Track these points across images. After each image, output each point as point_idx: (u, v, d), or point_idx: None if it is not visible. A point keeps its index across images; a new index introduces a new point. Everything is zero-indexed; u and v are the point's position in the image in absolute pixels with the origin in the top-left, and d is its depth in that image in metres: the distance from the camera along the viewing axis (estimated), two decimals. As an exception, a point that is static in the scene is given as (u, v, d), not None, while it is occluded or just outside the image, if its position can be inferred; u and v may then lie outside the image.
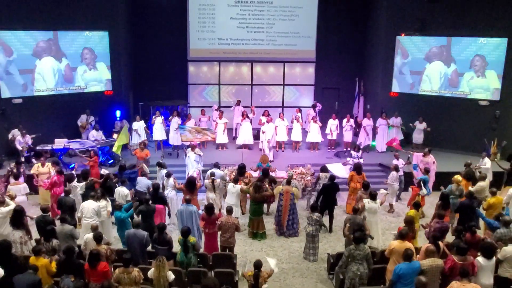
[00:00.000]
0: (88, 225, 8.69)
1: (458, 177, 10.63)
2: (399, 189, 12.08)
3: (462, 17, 14.70)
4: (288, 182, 10.36)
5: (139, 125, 14.90)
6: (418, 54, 15.80)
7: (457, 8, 14.69)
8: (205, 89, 18.82)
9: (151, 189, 10.30)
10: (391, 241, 7.47)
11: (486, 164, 12.14)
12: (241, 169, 11.34)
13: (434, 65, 15.81)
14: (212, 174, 10.73)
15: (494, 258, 6.95)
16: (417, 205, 9.02)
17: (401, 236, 7.37)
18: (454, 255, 6.93)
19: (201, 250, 8.56)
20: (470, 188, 10.31)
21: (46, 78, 14.75)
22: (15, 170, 11.23)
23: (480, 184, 10.48)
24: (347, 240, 8.45)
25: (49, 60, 14.76)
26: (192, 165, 12.13)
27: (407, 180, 12.45)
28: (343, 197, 12.02)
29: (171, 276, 6.74)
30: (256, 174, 11.82)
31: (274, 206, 11.52)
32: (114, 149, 13.03)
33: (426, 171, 11.38)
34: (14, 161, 11.85)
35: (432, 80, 15.90)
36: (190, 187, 10.12)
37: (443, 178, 12.19)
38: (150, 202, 9.00)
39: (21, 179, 11.28)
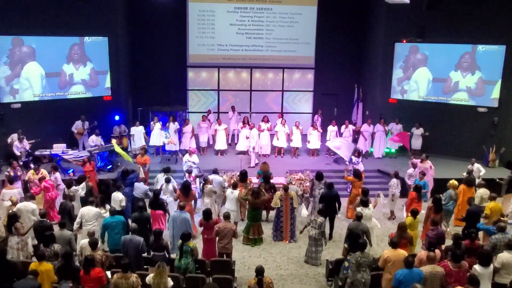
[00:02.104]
0: (90, 231, 8.65)
1: (454, 182, 10.63)
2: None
3: (461, 24, 14.76)
4: (286, 188, 10.33)
5: (138, 130, 14.91)
6: (443, 62, 15.63)
7: (456, 15, 14.75)
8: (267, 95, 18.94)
9: (150, 194, 10.30)
10: (384, 251, 7.40)
11: (479, 168, 12.12)
12: (243, 175, 11.32)
13: (419, 72, 15.97)
14: (205, 180, 10.73)
15: (492, 265, 6.93)
16: (414, 213, 9.01)
17: (393, 244, 7.34)
18: (449, 261, 6.92)
19: (199, 256, 8.55)
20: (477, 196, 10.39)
21: (33, 85, 14.52)
22: (11, 173, 11.22)
23: (480, 191, 10.47)
24: (344, 249, 8.38)
25: (34, 65, 14.51)
26: (187, 169, 12.10)
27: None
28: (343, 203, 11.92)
29: (170, 282, 6.71)
30: (257, 181, 11.79)
31: (272, 213, 11.54)
32: (125, 157, 12.98)
33: (422, 174, 11.37)
34: (10, 166, 11.80)
35: (420, 87, 16.04)
36: (185, 191, 10.10)
37: (441, 185, 12.21)
38: (146, 207, 8.96)
39: (18, 183, 11.23)
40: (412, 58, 16.07)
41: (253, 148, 14.45)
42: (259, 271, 6.63)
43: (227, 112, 17.15)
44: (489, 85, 14.92)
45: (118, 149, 13.11)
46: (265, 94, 19.00)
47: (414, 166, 12.15)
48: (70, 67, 15.26)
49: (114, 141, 13.59)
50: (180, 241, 7.64)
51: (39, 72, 14.59)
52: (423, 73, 15.94)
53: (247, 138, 14.79)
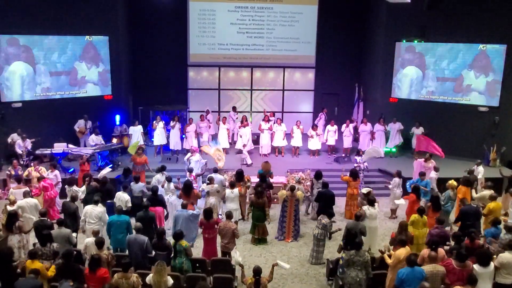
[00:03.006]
0: (91, 230, 8.66)
1: (453, 183, 10.63)
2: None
3: (461, 24, 14.75)
4: (292, 188, 10.30)
5: (136, 129, 14.92)
6: (451, 61, 15.52)
7: (456, 14, 14.74)
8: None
9: (146, 192, 10.31)
10: (397, 252, 7.39)
11: (479, 173, 12.09)
12: (239, 175, 11.33)
13: (406, 71, 16.12)
14: (210, 179, 10.73)
15: (492, 265, 6.93)
16: (421, 211, 9.00)
17: (402, 242, 7.34)
18: (454, 260, 6.92)
19: (200, 255, 8.56)
20: (475, 195, 10.38)
21: (15, 85, 14.29)
22: (12, 172, 11.23)
23: (484, 193, 10.45)
24: (339, 246, 8.39)
25: (20, 65, 14.32)
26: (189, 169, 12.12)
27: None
28: (340, 203, 11.90)
29: (169, 281, 6.71)
30: (258, 181, 11.79)
31: (272, 212, 11.53)
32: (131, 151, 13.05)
33: (423, 174, 11.34)
34: (11, 165, 11.82)
35: (403, 86, 16.20)
36: (186, 191, 10.09)
37: (441, 184, 12.19)
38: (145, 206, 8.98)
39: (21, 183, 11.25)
40: (415, 57, 16.09)
41: (244, 146, 14.43)
42: (257, 271, 6.63)
43: (229, 111, 17.16)
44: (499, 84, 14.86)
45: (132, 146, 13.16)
46: (266, 93, 19.02)
47: (436, 170, 11.93)
48: (78, 66, 15.42)
49: (115, 140, 13.59)
50: (173, 240, 7.64)
51: (23, 72, 14.39)
52: (429, 72, 15.93)
53: (240, 136, 14.83)
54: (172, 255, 7.64)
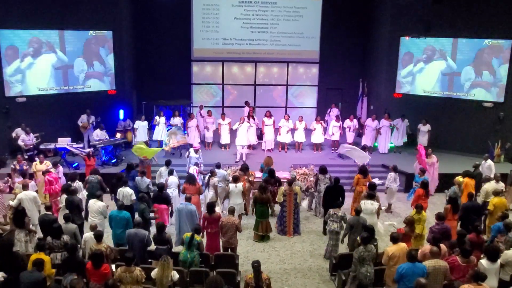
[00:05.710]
0: (92, 224, 8.70)
1: (459, 179, 10.60)
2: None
3: (466, 19, 14.66)
4: (290, 183, 10.33)
5: (142, 124, 14.93)
6: (459, 56, 15.38)
7: (462, 9, 14.65)
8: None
9: (152, 188, 10.32)
10: (386, 248, 7.39)
11: (490, 166, 12.03)
12: (246, 169, 11.33)
13: (411, 66, 16.05)
14: (212, 173, 10.74)
15: (499, 261, 6.91)
16: (419, 207, 8.97)
17: (393, 239, 7.33)
18: (458, 256, 6.90)
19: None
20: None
21: (19, 80, 14.27)
22: (17, 167, 11.27)
23: (484, 187, 10.41)
24: (356, 242, 8.36)
25: (24, 60, 14.27)
26: (192, 164, 12.14)
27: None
28: (346, 200, 11.83)
29: (175, 275, 6.72)
30: (260, 175, 11.80)
31: (276, 207, 11.55)
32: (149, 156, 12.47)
33: (422, 171, 11.29)
34: (16, 160, 11.87)
35: (407, 81, 16.18)
36: (192, 181, 10.13)
37: (446, 180, 12.16)
38: (147, 200, 9.00)
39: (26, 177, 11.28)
40: (419, 52, 15.98)
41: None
42: (255, 262, 6.61)
43: (235, 107, 17.12)
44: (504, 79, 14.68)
45: (143, 150, 12.38)
46: (270, 88, 18.96)
47: (423, 172, 11.77)
48: (82, 61, 15.42)
49: (118, 135, 13.57)
50: (189, 234, 7.60)
51: (27, 67, 14.40)
52: (434, 67, 15.81)
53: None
54: (186, 247, 7.57)
